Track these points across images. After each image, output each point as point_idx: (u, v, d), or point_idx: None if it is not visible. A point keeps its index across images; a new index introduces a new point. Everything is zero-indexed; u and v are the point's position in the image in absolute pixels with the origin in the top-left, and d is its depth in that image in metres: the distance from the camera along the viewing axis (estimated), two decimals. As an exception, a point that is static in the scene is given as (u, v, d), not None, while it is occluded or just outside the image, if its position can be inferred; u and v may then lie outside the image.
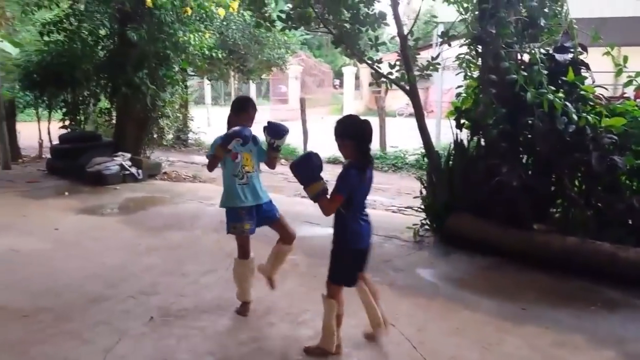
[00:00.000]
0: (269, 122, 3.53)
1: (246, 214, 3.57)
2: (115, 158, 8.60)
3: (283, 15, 6.37)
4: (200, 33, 8.42)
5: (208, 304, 3.94)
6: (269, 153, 3.62)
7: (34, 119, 11.79)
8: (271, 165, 3.70)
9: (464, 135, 5.80)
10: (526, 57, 5.17)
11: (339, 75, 33.29)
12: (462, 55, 5.93)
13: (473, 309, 3.93)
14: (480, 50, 5.43)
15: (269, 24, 6.35)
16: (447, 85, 30.95)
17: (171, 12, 7.82)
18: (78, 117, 10.38)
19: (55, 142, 10.09)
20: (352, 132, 2.96)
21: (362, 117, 3.08)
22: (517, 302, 4.03)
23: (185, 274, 4.54)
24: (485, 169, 5.16)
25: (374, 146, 12.42)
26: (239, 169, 3.54)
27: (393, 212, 7.44)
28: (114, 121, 9.66)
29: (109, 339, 3.37)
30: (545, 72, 4.74)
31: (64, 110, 10.14)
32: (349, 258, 3.06)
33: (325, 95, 30.95)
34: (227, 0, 7.95)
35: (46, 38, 8.60)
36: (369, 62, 6.07)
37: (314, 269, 4.52)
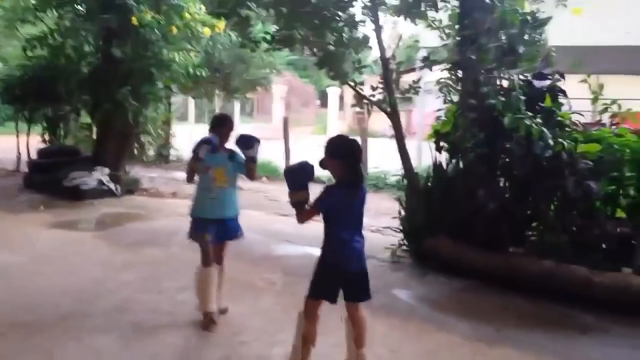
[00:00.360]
0: (240, 135, 3.66)
1: (209, 226, 3.71)
2: (93, 173, 8.51)
3: (268, 37, 6.45)
4: (184, 52, 8.44)
5: (182, 320, 3.88)
6: (246, 164, 3.71)
7: (13, 131, 11.64)
8: (250, 176, 3.77)
9: (443, 158, 5.88)
10: (505, 83, 5.29)
11: (324, 95, 33.52)
12: (443, 80, 6.04)
13: (448, 330, 3.93)
14: (460, 75, 5.52)
15: (254, 45, 6.41)
16: (429, 108, 31.36)
17: (156, 31, 7.83)
18: (58, 132, 10.28)
19: (34, 156, 9.96)
20: (343, 151, 2.95)
21: (351, 137, 3.12)
22: (493, 325, 4.04)
23: (162, 291, 4.48)
24: (463, 191, 5.22)
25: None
26: (210, 184, 3.68)
27: (372, 231, 7.42)
28: (94, 136, 9.57)
29: (78, 355, 3.31)
30: (524, 97, 4.84)
31: (44, 124, 10.03)
32: (326, 273, 2.98)
33: (310, 115, 31.12)
34: (212, 20, 7.98)
35: (29, 53, 8.54)
36: (352, 84, 6.15)
37: (290, 287, 4.51)
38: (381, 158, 13.69)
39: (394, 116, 5.87)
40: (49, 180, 8.63)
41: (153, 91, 8.52)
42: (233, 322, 3.82)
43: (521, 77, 5.21)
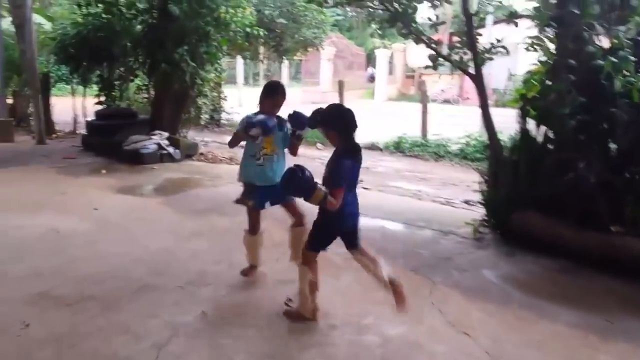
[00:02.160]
0: (293, 111, 3.54)
1: (257, 192, 3.70)
2: (152, 137, 8.37)
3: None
4: (241, 9, 8.05)
5: (260, 300, 3.65)
6: (291, 140, 3.66)
7: (66, 93, 11.63)
8: (293, 152, 3.75)
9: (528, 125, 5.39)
10: (604, 42, 4.72)
11: (369, 58, 32.67)
12: (531, 38, 5.48)
13: (551, 319, 3.55)
14: (556, 33, 4.95)
15: (321, 0, 5.97)
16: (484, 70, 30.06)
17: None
18: (113, 93, 10.16)
19: (91, 117, 9.90)
20: (335, 123, 3.02)
21: (346, 106, 3.15)
22: (599, 314, 3.64)
23: (233, 264, 4.22)
24: (556, 163, 4.76)
25: (416, 133, 12.02)
26: (257, 151, 3.63)
27: (442, 204, 7.06)
28: (150, 98, 9.40)
29: (160, 334, 3.11)
30: (633, 58, 4.30)
31: (99, 85, 9.90)
32: (329, 231, 3.16)
33: (357, 78, 30.38)
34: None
35: (84, 10, 8.33)
36: (427, 42, 5.66)
37: None
38: (437, 124, 13.14)
39: (478, 79, 5.37)
40: (108, 143, 8.56)
41: (210, 51, 8.21)
42: (318, 303, 3.55)
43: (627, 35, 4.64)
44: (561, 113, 4.67)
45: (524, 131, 5.21)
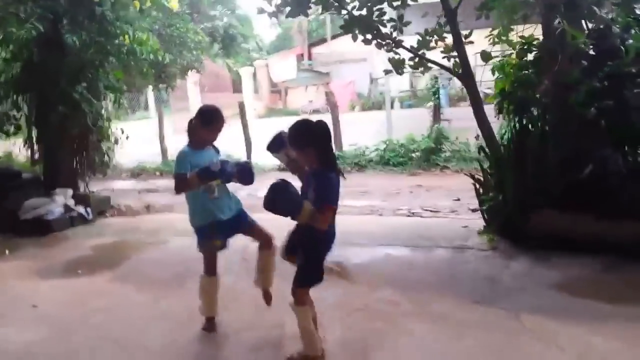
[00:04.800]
0: (243, 165, 3.38)
1: (219, 229, 3.42)
2: (54, 198, 6.84)
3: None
4: (148, 33, 6.92)
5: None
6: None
7: None
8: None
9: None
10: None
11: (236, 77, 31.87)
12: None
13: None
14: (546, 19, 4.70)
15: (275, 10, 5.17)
16: (345, 78, 30.67)
17: (115, 7, 6.26)
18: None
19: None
20: (312, 138, 2.79)
21: (313, 120, 2.91)
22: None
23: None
24: (569, 156, 4.50)
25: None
26: (210, 186, 3.31)
27: (422, 217, 6.65)
28: (35, 151, 7.72)
29: None
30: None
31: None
32: (320, 260, 2.94)
33: (227, 99, 29.32)
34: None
35: None
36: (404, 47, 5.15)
37: (426, 306, 3.60)
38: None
39: (468, 79, 4.96)
40: (-4, 215, 6.81)
41: (111, 85, 6.94)
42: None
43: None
44: (572, 102, 4.41)
45: (523, 127, 4.93)
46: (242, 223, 3.52)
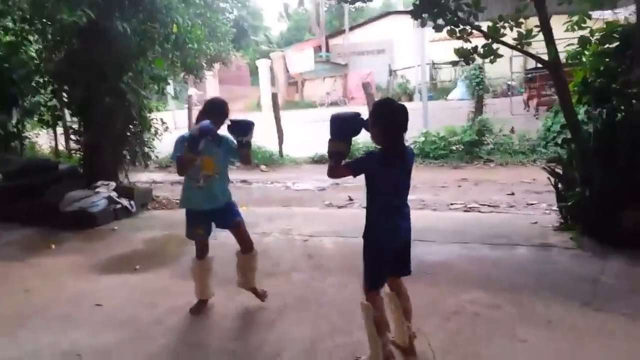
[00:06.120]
0: (231, 121, 3.41)
1: (200, 218, 3.55)
2: (98, 190, 6.60)
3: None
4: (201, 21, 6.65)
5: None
6: (240, 150, 3.47)
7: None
8: (246, 161, 3.58)
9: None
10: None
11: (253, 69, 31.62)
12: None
13: None
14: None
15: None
16: (364, 69, 30.32)
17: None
18: (13, 144, 8.06)
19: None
20: (378, 117, 2.72)
21: (399, 103, 2.81)
22: None
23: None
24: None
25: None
26: (197, 173, 3.43)
27: (481, 212, 6.37)
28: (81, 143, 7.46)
29: None
30: None
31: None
32: (376, 257, 2.76)
33: (244, 90, 29.09)
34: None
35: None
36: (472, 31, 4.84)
37: (522, 307, 3.39)
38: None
39: (555, 70, 4.62)
40: (35, 208, 6.58)
41: (158, 75, 6.68)
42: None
43: None
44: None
45: (611, 118, 4.60)
46: (227, 219, 3.61)
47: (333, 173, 2.79)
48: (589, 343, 2.97)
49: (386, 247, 2.75)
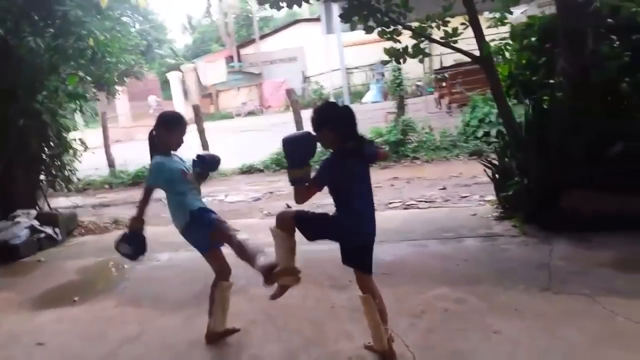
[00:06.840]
0: (199, 155, 3.33)
1: (205, 216, 3.20)
2: (17, 220, 6.05)
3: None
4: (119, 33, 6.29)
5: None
6: (198, 179, 3.32)
7: None
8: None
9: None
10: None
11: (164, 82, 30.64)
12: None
13: None
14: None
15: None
16: (278, 77, 30.28)
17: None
18: None
19: None
20: (330, 120, 2.70)
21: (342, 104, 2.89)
22: None
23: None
24: (598, 135, 4.46)
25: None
26: (192, 183, 3.25)
27: (420, 208, 6.48)
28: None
29: None
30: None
31: None
32: (356, 239, 2.80)
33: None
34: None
35: None
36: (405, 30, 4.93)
37: (491, 299, 3.43)
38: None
39: (488, 65, 4.79)
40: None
41: (76, 92, 6.25)
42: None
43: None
44: (598, 78, 4.36)
45: (540, 109, 4.85)
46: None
47: (303, 198, 2.73)
48: (562, 327, 3.03)
49: (362, 229, 2.78)
